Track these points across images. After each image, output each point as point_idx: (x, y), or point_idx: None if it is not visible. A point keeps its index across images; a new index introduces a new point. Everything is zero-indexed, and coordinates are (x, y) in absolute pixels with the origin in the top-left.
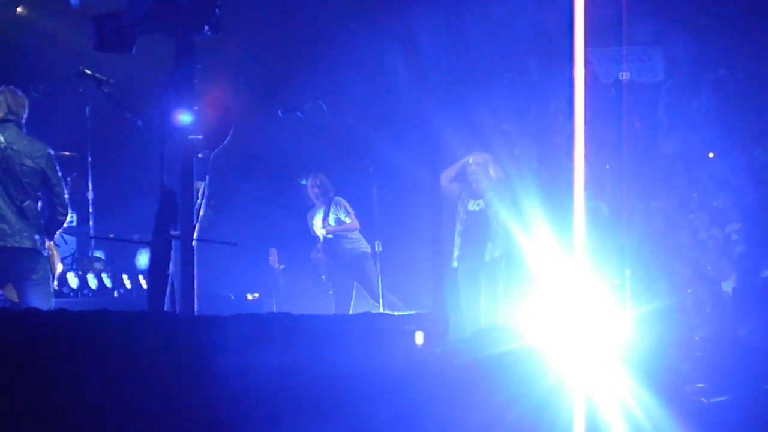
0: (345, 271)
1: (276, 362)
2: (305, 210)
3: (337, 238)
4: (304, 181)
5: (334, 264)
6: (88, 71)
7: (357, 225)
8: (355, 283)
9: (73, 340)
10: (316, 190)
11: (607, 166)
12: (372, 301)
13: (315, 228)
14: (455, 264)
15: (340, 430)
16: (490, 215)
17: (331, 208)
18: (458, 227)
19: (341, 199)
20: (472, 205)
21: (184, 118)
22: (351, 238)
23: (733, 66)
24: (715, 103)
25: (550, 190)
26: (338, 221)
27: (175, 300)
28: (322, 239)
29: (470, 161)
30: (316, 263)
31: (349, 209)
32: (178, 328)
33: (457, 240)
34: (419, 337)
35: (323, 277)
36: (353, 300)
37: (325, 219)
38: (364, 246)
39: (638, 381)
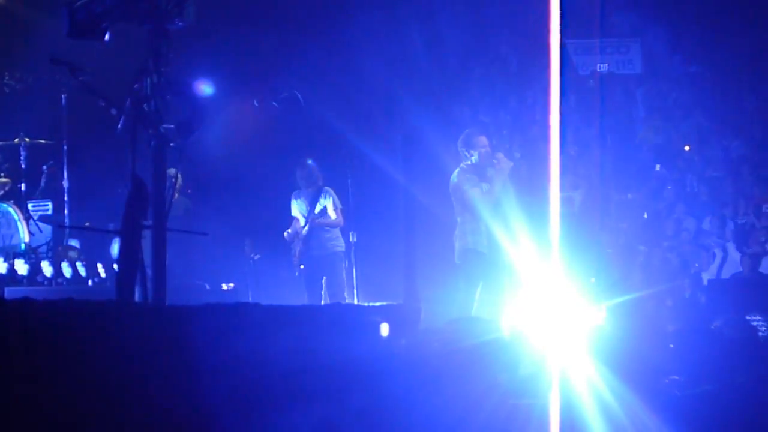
0: (317, 264)
1: (245, 353)
2: (281, 200)
3: (316, 229)
4: (310, 161)
5: (306, 253)
6: (62, 59)
7: (341, 222)
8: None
9: (39, 330)
10: (305, 176)
11: (587, 161)
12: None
13: (297, 213)
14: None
15: (313, 419)
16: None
17: (320, 198)
18: (469, 214)
19: (331, 191)
20: (484, 188)
21: (206, 88)
22: (330, 233)
23: (710, 59)
24: (692, 96)
25: (526, 182)
26: (323, 212)
27: (147, 289)
28: (303, 225)
29: (483, 142)
30: (289, 245)
31: (338, 204)
32: (146, 317)
33: (475, 226)
34: (384, 329)
35: (301, 266)
36: (324, 289)
37: (311, 207)
38: (341, 245)
39: (612, 372)
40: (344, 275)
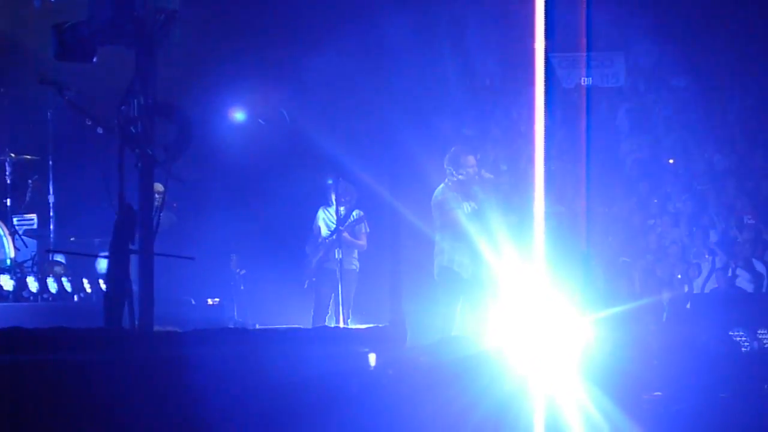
0: (332, 280)
1: (233, 375)
2: (267, 216)
3: (341, 244)
4: (330, 181)
5: (322, 266)
6: (49, 77)
7: (365, 247)
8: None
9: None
10: (342, 193)
11: (572, 174)
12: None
13: (322, 226)
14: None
15: None
16: (482, 217)
17: (353, 215)
18: (450, 232)
19: (363, 215)
20: (466, 209)
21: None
22: (352, 252)
23: (695, 73)
24: (676, 110)
25: (512, 196)
26: (351, 226)
27: (134, 310)
28: (326, 237)
29: (470, 162)
30: (308, 261)
31: (367, 228)
32: (133, 344)
33: (454, 245)
34: (372, 359)
35: (313, 278)
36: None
37: (341, 221)
38: (356, 264)
39: (597, 387)
40: (352, 294)
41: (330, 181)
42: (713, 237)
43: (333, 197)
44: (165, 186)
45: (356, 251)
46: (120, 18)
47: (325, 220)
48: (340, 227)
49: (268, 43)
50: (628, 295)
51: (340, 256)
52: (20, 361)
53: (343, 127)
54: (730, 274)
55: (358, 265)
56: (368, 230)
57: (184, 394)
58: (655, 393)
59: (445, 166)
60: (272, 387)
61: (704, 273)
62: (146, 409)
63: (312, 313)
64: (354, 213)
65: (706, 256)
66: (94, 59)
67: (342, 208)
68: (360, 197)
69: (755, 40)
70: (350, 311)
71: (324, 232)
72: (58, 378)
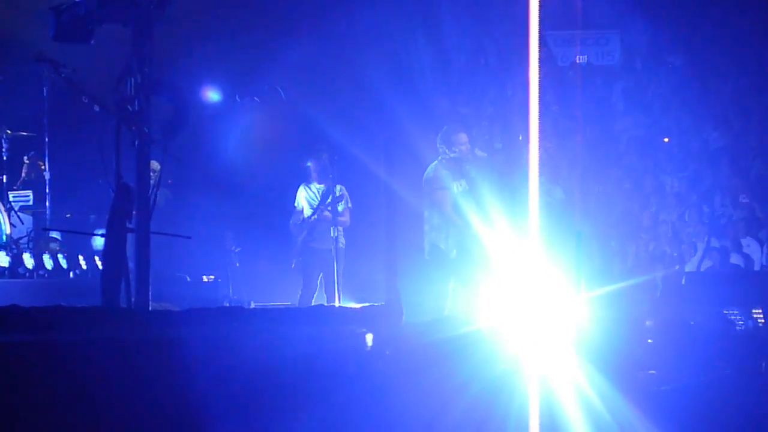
0: (318, 257)
1: (228, 354)
2: (262, 193)
3: (323, 223)
4: (309, 163)
5: (308, 245)
6: (45, 55)
7: (347, 222)
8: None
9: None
10: (320, 169)
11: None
12: (325, 295)
13: (304, 205)
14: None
15: (296, 414)
16: (475, 196)
17: (335, 194)
18: (438, 211)
19: (344, 190)
20: (457, 188)
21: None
22: (337, 230)
23: (690, 51)
24: (671, 88)
25: (506, 174)
26: (335, 207)
27: (131, 287)
28: (310, 216)
29: (463, 140)
30: (294, 240)
31: (349, 203)
32: (130, 323)
33: (442, 224)
34: (369, 339)
35: (300, 258)
36: (320, 282)
37: (322, 200)
38: (342, 242)
39: (591, 365)
40: (340, 272)
41: (309, 164)
42: (707, 215)
43: (313, 174)
44: (161, 164)
45: (341, 228)
46: None
47: (307, 198)
48: (321, 207)
49: (261, 19)
50: (622, 273)
51: (336, 234)
52: (16, 340)
53: (337, 106)
54: (723, 252)
55: (344, 242)
56: (350, 205)
57: (178, 372)
58: (650, 371)
59: (437, 145)
60: (267, 366)
61: (699, 252)
62: (141, 388)
63: (300, 294)
64: (337, 188)
65: (701, 235)
66: (92, 41)
67: (322, 186)
68: (345, 173)
69: (750, 18)
70: (340, 290)
71: (307, 211)
72: (54, 356)
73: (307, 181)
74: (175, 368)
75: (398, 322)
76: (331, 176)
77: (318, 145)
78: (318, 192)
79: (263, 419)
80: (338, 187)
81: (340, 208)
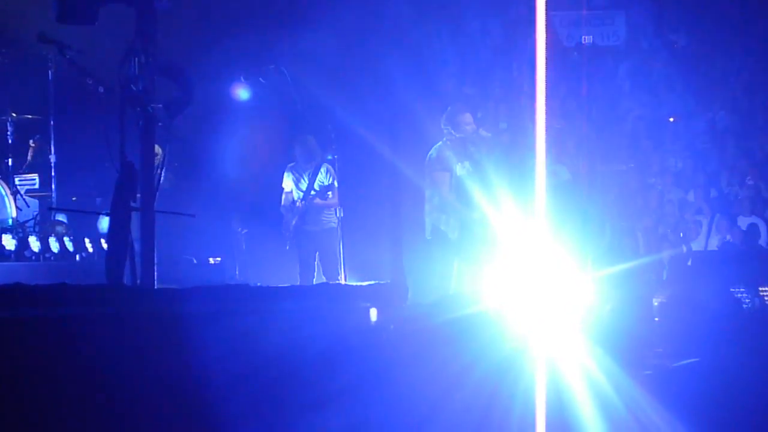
0: (312, 239)
1: (235, 333)
2: (268, 174)
3: (315, 206)
4: (311, 137)
5: (301, 228)
6: (49, 37)
7: (337, 202)
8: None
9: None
10: (305, 151)
11: (573, 133)
12: (324, 277)
13: (292, 188)
14: (451, 231)
15: (303, 395)
16: (480, 176)
17: (320, 174)
18: (439, 191)
19: (332, 169)
20: (460, 169)
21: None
22: (328, 210)
23: (696, 31)
24: (677, 68)
25: (511, 154)
26: (324, 190)
27: (136, 267)
28: (299, 203)
29: (467, 120)
30: (279, 218)
31: (336, 183)
32: (136, 300)
33: (443, 204)
34: (373, 314)
35: (294, 241)
36: (317, 271)
37: (310, 182)
38: (335, 221)
39: (598, 345)
40: (338, 251)
41: (296, 147)
42: (714, 195)
43: (299, 157)
44: (163, 148)
45: (331, 209)
46: None
47: (294, 180)
48: (311, 192)
49: (267, 3)
50: (631, 253)
51: (341, 214)
52: (21, 316)
53: (343, 86)
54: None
55: (336, 221)
56: (337, 185)
57: (182, 349)
58: (657, 349)
59: (442, 126)
60: (271, 343)
61: (704, 230)
62: (145, 365)
63: (298, 279)
64: (322, 170)
65: (706, 215)
66: (96, 21)
67: (309, 168)
68: (350, 151)
69: None
70: (343, 268)
71: (296, 194)
72: (58, 333)
73: (294, 165)
74: (177, 345)
75: (403, 300)
76: (319, 157)
77: (303, 128)
78: (305, 175)
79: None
80: (324, 168)
81: (329, 193)
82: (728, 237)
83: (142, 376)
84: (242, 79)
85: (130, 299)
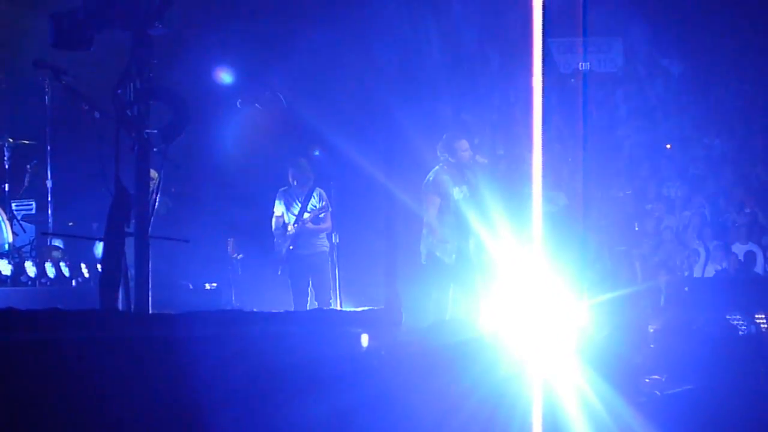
0: (304, 264)
1: (228, 358)
2: (264, 200)
3: (307, 231)
4: (303, 160)
5: (294, 252)
6: (45, 62)
7: (330, 227)
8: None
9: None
10: (299, 175)
11: (570, 159)
12: (316, 303)
13: (283, 212)
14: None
15: (301, 419)
16: (476, 202)
17: (312, 199)
18: (439, 218)
19: (324, 194)
20: (457, 194)
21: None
22: (321, 235)
23: (692, 58)
24: (673, 95)
25: (508, 180)
26: (315, 213)
27: (130, 293)
28: (291, 227)
29: (464, 146)
30: (277, 248)
31: (330, 207)
32: (129, 325)
33: (440, 230)
34: (365, 340)
35: (286, 265)
36: (310, 296)
37: (303, 205)
38: (326, 245)
39: (594, 371)
40: (330, 275)
41: (289, 170)
42: (710, 222)
43: (292, 180)
44: (159, 172)
45: (324, 233)
46: (115, 0)
47: (287, 205)
48: (304, 216)
49: (262, 24)
50: (629, 279)
51: (337, 240)
52: (13, 341)
53: (339, 111)
54: (726, 258)
55: (328, 245)
56: (331, 209)
57: (174, 374)
58: (653, 376)
59: (438, 153)
60: (265, 367)
61: (702, 257)
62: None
63: (292, 303)
64: (314, 194)
65: (703, 241)
66: (92, 47)
67: (302, 191)
68: (344, 177)
69: (752, 25)
70: (338, 293)
71: (287, 218)
72: (50, 357)
73: (286, 189)
74: (172, 369)
75: (398, 325)
76: (312, 180)
77: (295, 150)
78: (297, 198)
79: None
80: (316, 193)
81: (322, 215)
82: (724, 264)
83: (136, 400)
84: (238, 104)
85: (121, 324)
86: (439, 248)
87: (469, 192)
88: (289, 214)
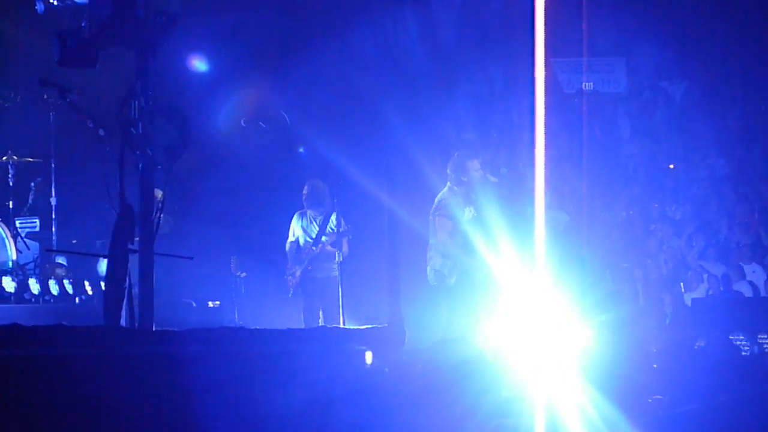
0: (318, 287)
1: (231, 376)
2: (267, 218)
3: (326, 253)
4: (321, 182)
5: (309, 275)
6: (50, 80)
7: (347, 251)
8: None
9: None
10: (315, 196)
11: (572, 179)
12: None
13: (300, 234)
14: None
15: None
16: (484, 222)
17: (330, 222)
18: (441, 237)
19: (342, 219)
20: (467, 215)
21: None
22: (334, 259)
23: (695, 78)
24: (676, 115)
25: (511, 200)
26: (334, 235)
27: (134, 310)
28: (309, 246)
29: (476, 165)
30: (281, 263)
31: (350, 234)
32: (132, 342)
33: (445, 250)
34: (369, 357)
35: (298, 289)
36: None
37: (321, 228)
38: (337, 271)
39: (597, 391)
40: (339, 303)
41: (304, 191)
42: (713, 242)
43: (308, 201)
44: (163, 191)
45: (337, 258)
46: (120, 18)
47: (303, 227)
48: (323, 238)
49: (268, 45)
50: (631, 299)
51: (340, 259)
52: (17, 356)
53: (342, 130)
54: (728, 278)
55: (338, 271)
56: (351, 236)
57: (177, 391)
58: (656, 396)
59: (448, 172)
60: (272, 385)
61: (705, 278)
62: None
63: (303, 323)
64: (332, 218)
65: (706, 261)
66: (97, 65)
67: (320, 215)
68: (349, 197)
69: (755, 45)
70: (344, 315)
71: (303, 241)
72: (54, 373)
73: (303, 211)
74: (175, 386)
75: (401, 344)
76: (329, 203)
77: (312, 171)
78: (315, 220)
79: None
80: (334, 216)
81: (342, 239)
82: (727, 284)
83: (139, 417)
84: (243, 123)
85: (125, 341)
86: (444, 267)
87: (477, 213)
88: (305, 236)
